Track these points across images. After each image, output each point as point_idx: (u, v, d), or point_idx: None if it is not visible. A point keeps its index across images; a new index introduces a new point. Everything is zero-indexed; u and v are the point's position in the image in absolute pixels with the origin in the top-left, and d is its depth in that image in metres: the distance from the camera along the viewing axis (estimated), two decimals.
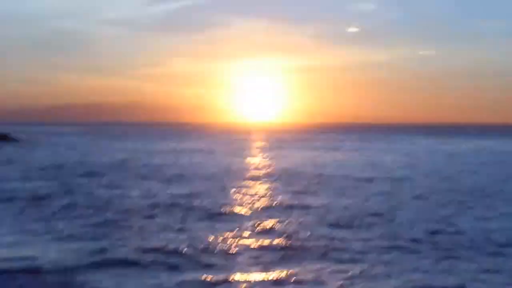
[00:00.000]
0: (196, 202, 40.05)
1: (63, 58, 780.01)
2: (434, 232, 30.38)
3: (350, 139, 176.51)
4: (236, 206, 38.58)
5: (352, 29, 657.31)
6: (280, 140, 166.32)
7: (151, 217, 34.42)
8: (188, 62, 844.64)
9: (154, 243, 26.81)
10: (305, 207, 38.48)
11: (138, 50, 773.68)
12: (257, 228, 31.06)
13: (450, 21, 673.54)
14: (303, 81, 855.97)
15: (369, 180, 56.26)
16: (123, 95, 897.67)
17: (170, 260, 23.87)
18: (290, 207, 38.49)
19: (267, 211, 36.96)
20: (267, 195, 44.74)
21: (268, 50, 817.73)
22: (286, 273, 21.95)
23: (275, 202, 40.51)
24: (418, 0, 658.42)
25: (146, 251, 25.20)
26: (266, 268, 22.69)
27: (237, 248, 26.08)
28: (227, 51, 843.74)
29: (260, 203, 40.01)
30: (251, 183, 53.29)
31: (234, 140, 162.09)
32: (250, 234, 29.43)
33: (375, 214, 35.93)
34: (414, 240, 28.25)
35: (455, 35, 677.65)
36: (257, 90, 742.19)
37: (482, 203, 41.39)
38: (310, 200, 41.77)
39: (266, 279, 21.34)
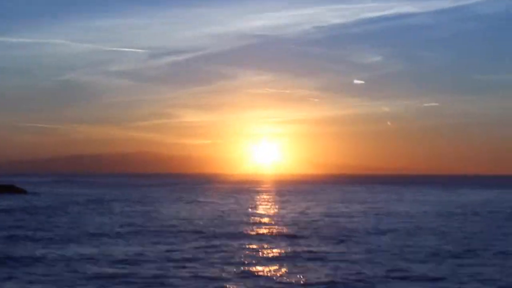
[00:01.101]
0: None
1: (70, 109, 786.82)
2: None
3: (359, 190, 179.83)
4: None
5: (357, 81, 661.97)
6: (293, 192, 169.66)
7: None
8: (194, 113, 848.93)
9: None
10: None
11: (144, 101, 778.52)
12: None
13: (454, 74, 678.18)
14: (308, 133, 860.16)
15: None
16: (130, 146, 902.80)
17: None
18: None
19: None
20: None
21: (274, 101, 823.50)
22: None
23: None
24: (423, 54, 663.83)
25: None
26: None
27: None
28: (233, 102, 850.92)
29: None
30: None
31: (243, 191, 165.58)
32: None
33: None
34: None
35: (459, 87, 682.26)
36: (263, 141, 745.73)
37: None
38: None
39: None
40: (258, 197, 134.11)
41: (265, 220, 72.33)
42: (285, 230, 59.90)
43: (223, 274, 34.70)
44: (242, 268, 36.87)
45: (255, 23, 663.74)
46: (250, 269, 36.66)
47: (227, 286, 31.80)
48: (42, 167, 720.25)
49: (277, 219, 73.75)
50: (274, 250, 44.69)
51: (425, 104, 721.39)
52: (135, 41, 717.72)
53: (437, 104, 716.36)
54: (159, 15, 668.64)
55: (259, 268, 37.03)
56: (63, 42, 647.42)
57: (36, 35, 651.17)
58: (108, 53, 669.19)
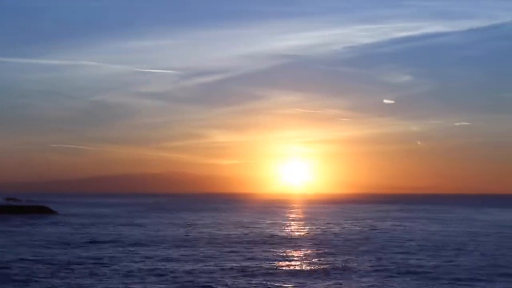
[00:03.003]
0: None
1: (101, 130, 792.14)
2: None
3: (395, 209, 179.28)
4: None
5: (387, 101, 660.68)
6: (330, 212, 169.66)
7: None
8: (224, 134, 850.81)
9: None
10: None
11: (175, 122, 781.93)
12: None
13: (485, 93, 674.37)
14: (338, 152, 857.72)
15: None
16: (160, 166, 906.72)
17: None
18: None
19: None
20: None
21: (304, 121, 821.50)
22: None
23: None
24: (453, 73, 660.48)
25: None
26: None
27: None
28: (263, 122, 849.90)
29: None
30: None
31: (274, 210, 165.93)
32: None
33: None
34: None
35: (490, 107, 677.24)
36: (293, 161, 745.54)
37: None
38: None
39: None
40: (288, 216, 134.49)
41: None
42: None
43: None
44: None
45: (284, 44, 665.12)
46: None
47: None
48: (74, 187, 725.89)
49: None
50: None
51: (456, 124, 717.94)
52: (166, 62, 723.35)
53: (468, 123, 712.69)
54: (190, 36, 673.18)
55: None
56: (95, 64, 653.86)
57: (68, 57, 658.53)
58: (140, 75, 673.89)
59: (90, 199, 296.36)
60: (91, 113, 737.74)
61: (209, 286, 37.37)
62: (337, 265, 46.52)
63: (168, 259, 50.40)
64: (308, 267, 45.84)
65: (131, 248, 58.92)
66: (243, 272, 42.96)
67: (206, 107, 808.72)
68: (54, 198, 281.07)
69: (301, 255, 53.94)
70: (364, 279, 39.86)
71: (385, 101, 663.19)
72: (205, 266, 46.26)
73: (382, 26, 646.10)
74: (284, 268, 45.56)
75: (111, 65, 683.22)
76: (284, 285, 38.05)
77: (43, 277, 40.60)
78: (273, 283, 38.27)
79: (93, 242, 65.75)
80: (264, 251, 56.82)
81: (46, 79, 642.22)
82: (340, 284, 38.34)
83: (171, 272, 42.70)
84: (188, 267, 45.56)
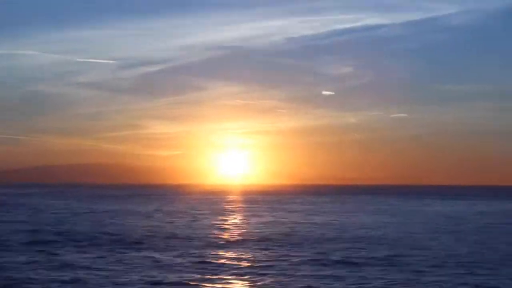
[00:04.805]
0: None
1: (38, 120, 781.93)
2: None
3: (328, 201, 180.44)
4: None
5: (326, 92, 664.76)
6: (265, 201, 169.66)
7: None
8: (163, 124, 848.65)
9: None
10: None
11: (113, 112, 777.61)
12: None
13: (421, 85, 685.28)
14: (275, 143, 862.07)
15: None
16: (98, 157, 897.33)
17: None
18: None
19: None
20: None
21: (242, 112, 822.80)
22: None
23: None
24: (391, 65, 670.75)
25: None
26: None
27: None
28: (202, 113, 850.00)
29: None
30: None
31: (211, 201, 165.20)
32: None
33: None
34: None
35: (426, 98, 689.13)
36: (232, 152, 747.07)
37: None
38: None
39: None
40: (224, 207, 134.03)
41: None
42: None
43: None
44: None
45: (225, 34, 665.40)
46: None
47: None
48: (9, 177, 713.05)
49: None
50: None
51: (393, 115, 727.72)
52: (104, 52, 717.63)
53: (404, 115, 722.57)
54: (129, 26, 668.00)
55: None
56: (32, 53, 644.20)
57: (4, 46, 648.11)
58: (78, 64, 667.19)
59: (22, 190, 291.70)
60: (28, 103, 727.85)
61: None
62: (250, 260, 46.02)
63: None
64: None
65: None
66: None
67: (145, 98, 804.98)
68: None
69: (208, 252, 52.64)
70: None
71: (324, 92, 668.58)
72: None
73: (322, 18, 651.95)
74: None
75: (47, 54, 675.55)
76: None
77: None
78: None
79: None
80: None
81: None
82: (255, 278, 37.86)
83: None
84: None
